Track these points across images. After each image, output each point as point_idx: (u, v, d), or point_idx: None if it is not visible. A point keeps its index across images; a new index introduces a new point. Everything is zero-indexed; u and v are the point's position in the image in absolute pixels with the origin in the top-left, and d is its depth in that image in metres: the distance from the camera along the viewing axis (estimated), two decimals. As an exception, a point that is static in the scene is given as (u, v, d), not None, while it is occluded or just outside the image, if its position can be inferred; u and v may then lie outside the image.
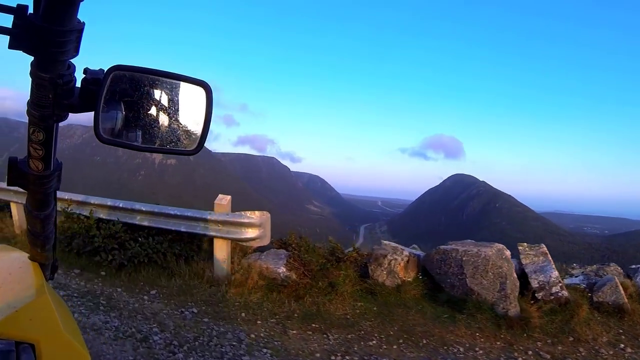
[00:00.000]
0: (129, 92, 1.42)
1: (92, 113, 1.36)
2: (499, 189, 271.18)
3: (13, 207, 11.10)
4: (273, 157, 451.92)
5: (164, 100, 1.52)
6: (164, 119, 1.53)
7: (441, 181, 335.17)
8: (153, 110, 1.49)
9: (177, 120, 1.55)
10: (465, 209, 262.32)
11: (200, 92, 1.57)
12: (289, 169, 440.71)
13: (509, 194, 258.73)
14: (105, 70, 1.35)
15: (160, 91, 1.51)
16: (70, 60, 1.24)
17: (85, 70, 1.38)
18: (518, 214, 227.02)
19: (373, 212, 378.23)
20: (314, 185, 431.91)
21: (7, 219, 11.51)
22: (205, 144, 1.59)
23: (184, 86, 1.56)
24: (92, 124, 1.32)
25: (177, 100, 1.55)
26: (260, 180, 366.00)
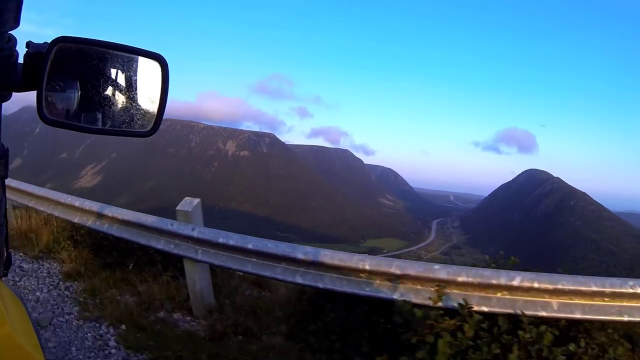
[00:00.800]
0: (82, 67, 1.33)
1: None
2: (573, 185, 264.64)
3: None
4: (347, 150, 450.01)
5: (116, 76, 1.42)
6: (116, 97, 1.43)
7: (514, 176, 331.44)
8: (104, 87, 1.39)
9: (131, 98, 1.46)
10: (538, 205, 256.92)
11: (155, 66, 1.48)
12: (363, 162, 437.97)
13: (583, 191, 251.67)
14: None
15: (111, 66, 1.41)
16: (10, 32, 1.15)
17: (28, 44, 1.28)
18: (592, 213, 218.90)
19: (445, 207, 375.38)
20: (387, 179, 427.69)
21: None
22: (160, 125, 1.49)
23: (137, 60, 1.46)
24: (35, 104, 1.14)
25: (130, 76, 1.45)
26: (334, 172, 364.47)
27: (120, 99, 1.44)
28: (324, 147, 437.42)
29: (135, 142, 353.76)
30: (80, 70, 1.34)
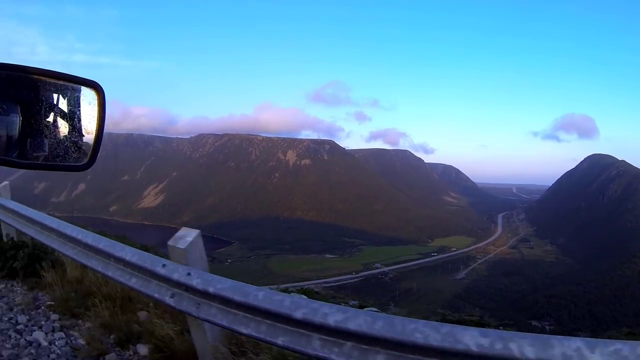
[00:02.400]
0: (11, 96, 1.28)
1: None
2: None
3: None
4: (406, 150, 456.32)
5: (49, 105, 1.39)
6: (50, 128, 1.39)
7: (577, 164, 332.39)
8: (36, 118, 1.35)
9: (66, 129, 1.44)
10: (605, 191, 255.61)
11: (91, 94, 1.48)
12: (423, 161, 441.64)
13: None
14: None
15: (44, 94, 1.38)
16: None
17: None
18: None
19: (509, 200, 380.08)
20: (449, 176, 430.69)
21: None
22: (97, 157, 1.49)
23: (72, 88, 1.45)
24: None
25: (65, 105, 1.44)
26: (395, 174, 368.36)
27: (55, 130, 1.41)
28: (384, 149, 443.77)
29: (196, 159, 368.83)
30: (7, 98, 1.29)
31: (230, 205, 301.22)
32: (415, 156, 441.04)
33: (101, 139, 1.51)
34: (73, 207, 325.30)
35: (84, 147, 1.48)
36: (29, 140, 1.34)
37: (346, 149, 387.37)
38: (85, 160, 1.51)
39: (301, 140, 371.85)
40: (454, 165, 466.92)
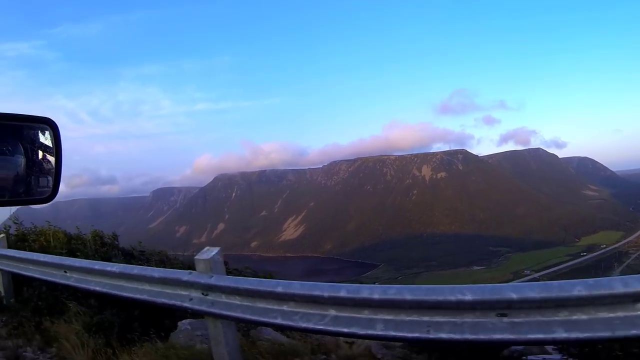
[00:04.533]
0: None
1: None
2: None
3: None
4: (539, 148, 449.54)
5: (8, 145, 1.56)
6: (10, 167, 1.56)
7: None
8: (3, 159, 1.55)
9: (26, 166, 1.60)
10: None
11: (46, 130, 1.64)
12: (557, 157, 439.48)
13: None
14: None
15: (1, 135, 1.55)
16: None
17: None
18: None
19: None
20: (585, 168, 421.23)
21: None
22: (59, 189, 1.65)
23: (26, 126, 1.62)
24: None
25: (22, 144, 1.59)
26: (531, 174, 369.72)
27: (15, 168, 1.56)
28: (516, 150, 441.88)
29: (331, 187, 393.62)
30: None
31: (372, 228, 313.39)
32: (548, 153, 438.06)
33: (60, 170, 1.60)
34: (215, 246, 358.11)
35: (45, 180, 1.62)
36: None
37: (479, 155, 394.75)
38: (49, 193, 1.63)
39: (434, 154, 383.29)
40: (588, 156, 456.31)
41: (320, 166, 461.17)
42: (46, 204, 1.63)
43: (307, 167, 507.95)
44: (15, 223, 13.27)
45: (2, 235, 9.59)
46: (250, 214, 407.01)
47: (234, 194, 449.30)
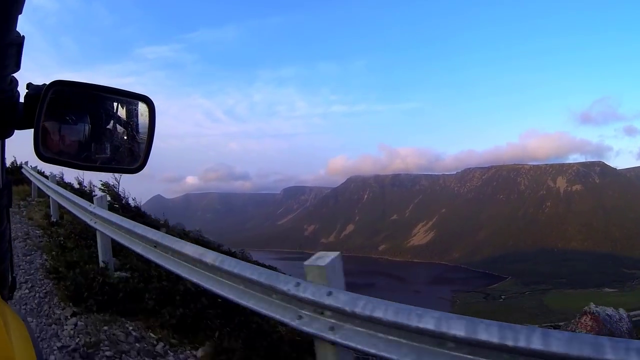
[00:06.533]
0: (76, 108, 1.63)
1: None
2: None
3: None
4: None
5: (107, 116, 1.74)
6: (107, 136, 1.74)
7: None
8: (96, 127, 1.69)
9: (121, 137, 1.77)
10: None
11: (143, 107, 1.81)
12: None
13: None
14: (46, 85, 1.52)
15: (102, 107, 1.72)
16: (12, 75, 1.39)
17: (28, 86, 1.55)
18: None
19: None
20: None
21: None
22: (148, 161, 1.80)
23: (127, 102, 1.79)
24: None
25: (120, 116, 1.78)
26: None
27: (111, 138, 1.74)
28: None
29: (464, 194, 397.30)
30: (75, 111, 1.63)
31: (502, 239, 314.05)
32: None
33: (151, 145, 1.77)
34: (342, 247, 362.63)
35: (137, 152, 1.78)
36: (93, 145, 1.67)
37: (617, 169, 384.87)
38: (138, 164, 1.79)
39: (570, 165, 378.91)
40: None
41: (454, 172, 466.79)
42: (135, 173, 1.80)
43: (440, 173, 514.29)
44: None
45: (104, 194, 9.90)
46: (380, 217, 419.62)
47: (366, 196, 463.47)
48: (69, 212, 12.09)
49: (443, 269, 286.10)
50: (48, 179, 15.51)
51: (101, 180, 15.49)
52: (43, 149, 1.51)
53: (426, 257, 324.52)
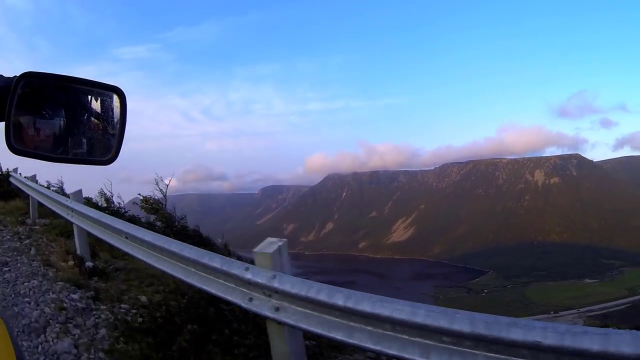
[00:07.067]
0: (47, 100, 1.63)
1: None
2: None
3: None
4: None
5: (78, 108, 1.74)
6: (78, 128, 1.74)
7: None
8: (67, 119, 1.70)
9: (92, 129, 1.78)
10: None
11: (114, 98, 1.81)
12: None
13: None
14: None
15: (74, 98, 1.73)
16: None
17: None
18: None
19: None
20: None
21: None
22: (119, 153, 1.80)
23: (97, 92, 1.79)
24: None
25: (92, 108, 1.79)
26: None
27: (82, 130, 1.75)
28: (633, 156, 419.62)
29: (442, 189, 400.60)
30: (49, 104, 1.64)
31: (482, 233, 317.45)
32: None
33: (123, 136, 1.77)
34: (322, 245, 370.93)
35: (109, 144, 1.79)
36: (69, 139, 1.70)
37: (593, 161, 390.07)
38: (110, 156, 1.79)
39: (547, 158, 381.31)
40: None
41: (432, 168, 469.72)
42: (106, 166, 1.79)
43: (419, 169, 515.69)
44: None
45: (80, 188, 9.65)
46: (359, 215, 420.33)
47: (344, 194, 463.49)
48: (107, 242, 7.73)
49: (424, 265, 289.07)
50: (69, 198, 9.90)
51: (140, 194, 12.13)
52: (16, 143, 1.52)
53: (407, 254, 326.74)
